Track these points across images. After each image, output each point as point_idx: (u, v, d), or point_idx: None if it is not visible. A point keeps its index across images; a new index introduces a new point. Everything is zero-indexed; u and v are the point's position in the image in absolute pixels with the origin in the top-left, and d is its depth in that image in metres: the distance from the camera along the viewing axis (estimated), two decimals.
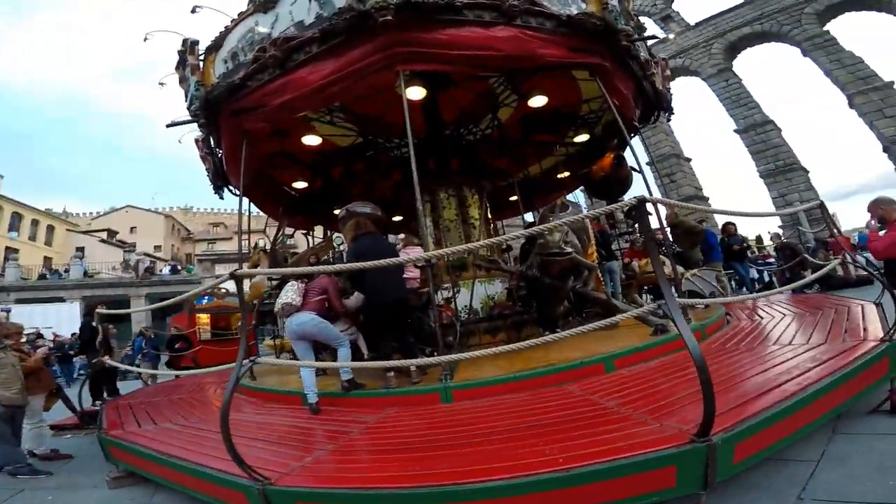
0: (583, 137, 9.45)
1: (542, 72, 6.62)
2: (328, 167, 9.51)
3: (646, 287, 6.99)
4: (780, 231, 22.65)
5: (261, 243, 9.38)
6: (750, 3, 27.63)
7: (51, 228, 39.63)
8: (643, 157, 27.13)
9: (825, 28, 25.47)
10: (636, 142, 8.49)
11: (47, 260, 36.12)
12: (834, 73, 24.34)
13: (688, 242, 7.57)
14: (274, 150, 8.37)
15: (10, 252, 32.46)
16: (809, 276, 5.16)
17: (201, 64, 6.16)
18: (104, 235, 41.70)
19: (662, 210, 5.95)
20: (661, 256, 6.42)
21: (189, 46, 6.25)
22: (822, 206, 4.18)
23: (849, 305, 5.69)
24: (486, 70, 5.60)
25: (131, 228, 49.53)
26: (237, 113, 5.85)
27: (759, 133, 26.31)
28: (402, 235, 6.87)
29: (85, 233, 42.68)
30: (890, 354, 3.29)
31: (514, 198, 10.66)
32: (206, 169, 7.74)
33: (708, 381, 2.06)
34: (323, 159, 9.29)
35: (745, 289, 11.19)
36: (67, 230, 41.81)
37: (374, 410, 4.14)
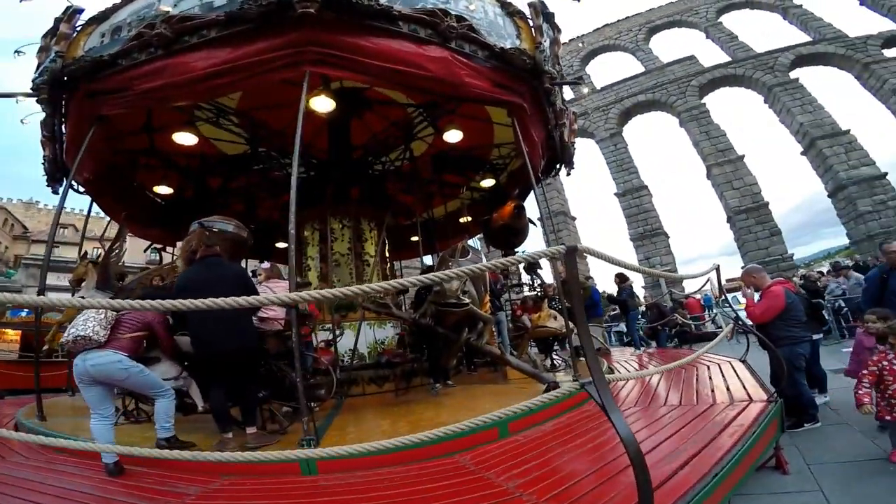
0: (489, 182, 9.50)
1: (460, 103, 6.52)
2: (205, 175, 8.34)
3: (532, 341, 6.94)
4: (643, 290, 25.10)
5: (93, 253, 7.77)
6: (649, 72, 31.21)
7: None
8: (534, 212, 28.82)
9: (703, 101, 28.99)
10: (533, 198, 8.72)
11: None
12: (700, 145, 27.62)
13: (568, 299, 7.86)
14: (141, 147, 7.23)
15: None
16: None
17: (74, 34, 5.30)
18: None
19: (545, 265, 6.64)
20: (552, 311, 6.48)
21: (68, 14, 5.43)
22: (717, 268, 4.33)
23: (718, 363, 6.02)
24: (406, 89, 5.26)
25: None
26: (94, 94, 5.00)
27: (634, 197, 28.71)
28: (265, 265, 5.95)
29: None
30: (777, 415, 3.35)
31: (416, 238, 10.30)
32: (44, 156, 6.40)
33: (647, 484, 1.74)
34: (202, 165, 8.14)
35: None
36: None
37: (201, 479, 3.18)
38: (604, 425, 3.47)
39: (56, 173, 6.42)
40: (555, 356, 6.90)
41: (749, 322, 4.66)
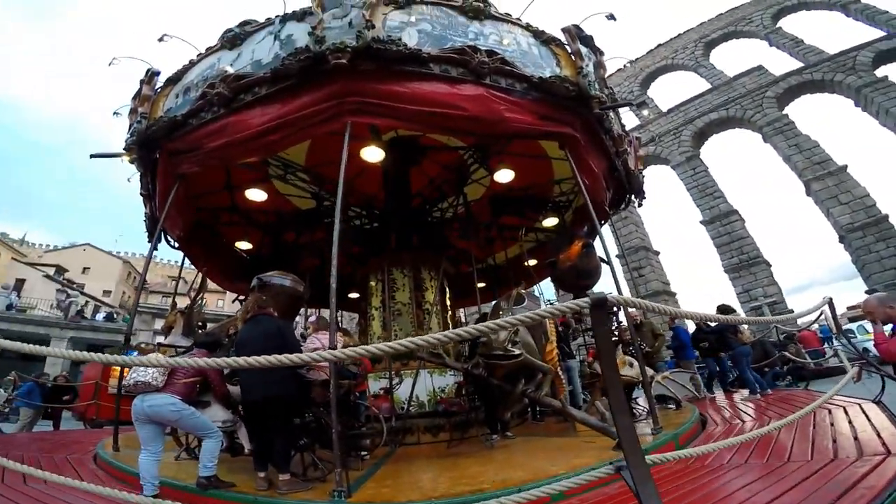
0: (551, 221, 9.21)
1: (508, 140, 6.42)
2: (281, 230, 9.00)
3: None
4: (745, 326, 22.50)
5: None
6: (716, 88, 29.25)
7: None
8: (613, 249, 27.23)
9: (784, 112, 26.44)
10: (606, 231, 8.36)
11: None
12: (792, 159, 24.87)
13: (652, 342, 7.24)
14: (223, 204, 7.94)
15: None
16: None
17: (154, 96, 5.83)
18: (51, 271, 39.32)
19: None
20: (627, 357, 6.06)
21: (148, 76, 5.97)
22: (830, 302, 3.84)
23: (844, 405, 5.12)
24: (445, 131, 5.28)
25: (84, 268, 47.11)
26: (174, 154, 5.42)
27: (724, 224, 26.32)
28: (312, 317, 6.13)
29: (30, 264, 40.16)
30: None
31: (482, 284, 10.21)
32: (144, 213, 7.15)
33: None
34: (278, 221, 8.81)
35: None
36: (13, 259, 39.37)
37: None
38: (701, 488, 3.09)
39: (154, 229, 6.94)
40: (634, 405, 6.38)
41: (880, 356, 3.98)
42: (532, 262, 9.73)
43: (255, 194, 7.61)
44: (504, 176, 7.61)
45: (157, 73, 6.02)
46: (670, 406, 6.67)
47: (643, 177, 8.26)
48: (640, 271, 27.02)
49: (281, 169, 7.49)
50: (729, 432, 4.85)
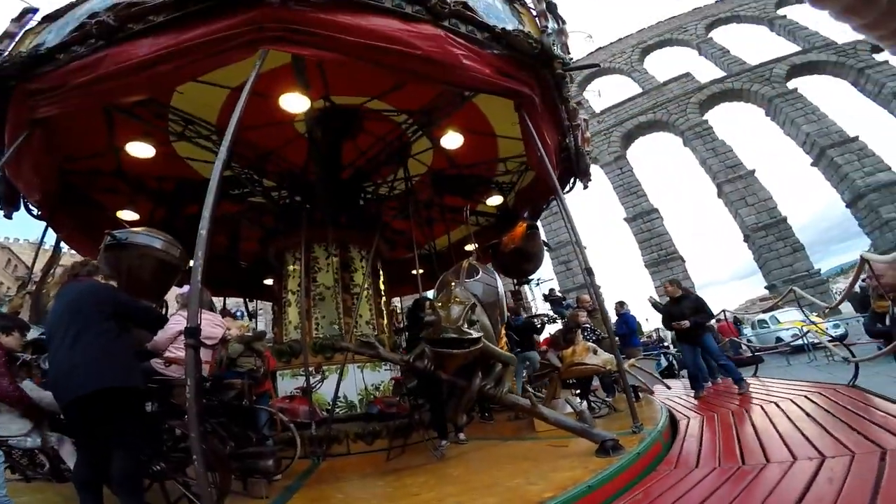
0: (495, 200, 8.57)
1: (456, 107, 5.86)
2: (180, 201, 7.34)
3: (569, 381, 5.57)
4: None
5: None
6: (647, 93, 30.87)
7: None
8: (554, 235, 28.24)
9: (704, 117, 28.42)
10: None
11: None
12: (708, 162, 26.85)
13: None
14: (103, 168, 6.45)
15: None
16: None
17: (21, 33, 4.87)
18: None
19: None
20: (588, 343, 5.26)
21: (20, 13, 5.05)
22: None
23: (792, 396, 4.69)
24: (391, 70, 4.48)
25: None
26: (31, 95, 4.34)
27: (645, 221, 27.80)
28: (183, 288, 4.79)
29: None
30: None
31: (421, 271, 9.29)
32: None
33: None
34: (177, 189, 7.26)
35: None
36: None
37: None
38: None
39: (10, 194, 5.55)
40: (593, 398, 5.58)
41: None
42: (474, 246, 8.89)
43: (140, 149, 6.04)
44: (452, 141, 6.77)
45: (34, 11, 5.06)
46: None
47: (590, 158, 7.81)
48: (567, 265, 27.83)
49: (180, 124, 6.05)
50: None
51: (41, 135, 4.59)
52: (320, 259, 6.50)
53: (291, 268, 6.69)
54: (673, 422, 4.59)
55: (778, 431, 3.46)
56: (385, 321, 6.95)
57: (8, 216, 5.76)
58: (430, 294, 9.43)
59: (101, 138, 5.95)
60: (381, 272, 7.29)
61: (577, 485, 2.65)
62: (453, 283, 4.00)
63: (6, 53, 4.56)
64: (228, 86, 5.57)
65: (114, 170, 6.55)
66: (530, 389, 6.05)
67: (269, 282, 8.66)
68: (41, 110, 4.30)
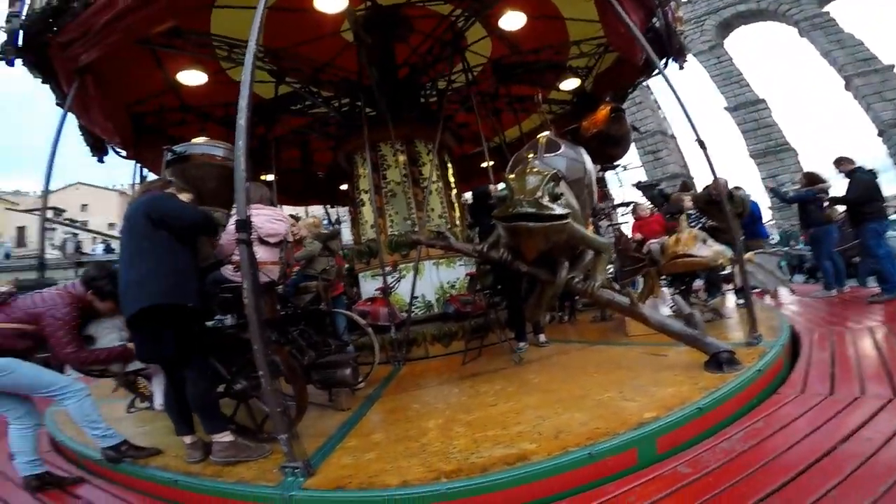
0: (571, 84, 7.51)
1: None
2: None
3: (664, 277, 4.71)
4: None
5: None
6: None
7: None
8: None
9: (825, 9, 24.59)
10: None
11: None
12: (832, 55, 23.57)
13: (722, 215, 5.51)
14: (169, 105, 6.58)
15: None
16: None
17: None
18: (50, 213, 38.18)
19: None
20: (694, 231, 4.48)
21: None
22: None
23: None
24: None
25: (82, 206, 45.88)
26: (67, 45, 4.27)
27: (749, 112, 25.56)
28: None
29: (25, 211, 39.15)
30: None
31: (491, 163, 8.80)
32: (79, 126, 5.78)
33: None
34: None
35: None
36: (6, 209, 38.20)
37: None
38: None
39: (91, 140, 5.86)
40: (695, 300, 4.78)
41: None
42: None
43: (192, 76, 5.98)
44: (511, 21, 5.89)
45: None
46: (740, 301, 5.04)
47: (684, 37, 6.45)
48: (656, 154, 26.06)
49: (224, 49, 5.81)
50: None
51: (93, 81, 4.62)
52: (387, 157, 6.32)
53: (361, 169, 6.55)
54: (793, 336, 3.70)
55: None
56: (457, 214, 6.75)
57: (100, 160, 6.17)
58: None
59: (156, 77, 5.97)
60: (449, 164, 6.96)
61: (684, 405, 2.17)
62: (531, 156, 3.36)
63: (24, 14, 4.42)
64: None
65: (178, 105, 6.66)
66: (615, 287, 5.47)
67: (344, 187, 8.73)
68: (81, 58, 4.25)
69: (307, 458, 2.12)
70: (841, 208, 5.73)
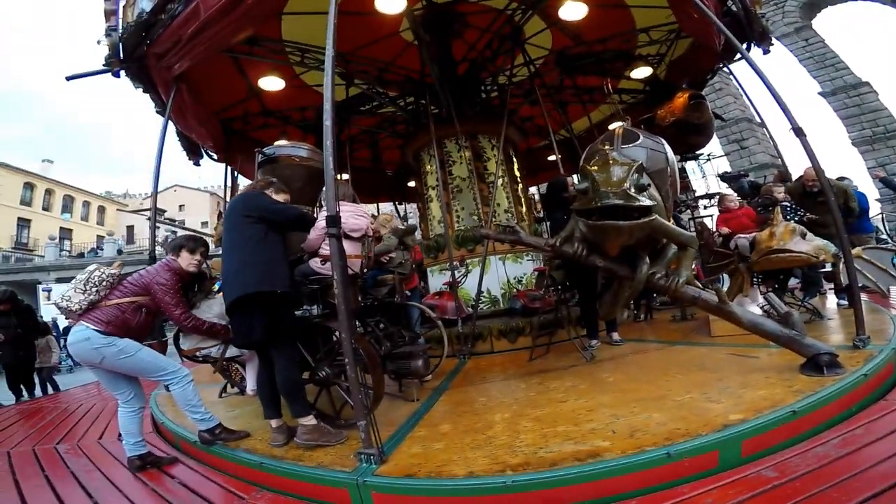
0: (643, 72, 7.15)
1: None
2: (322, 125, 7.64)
3: (758, 276, 4.18)
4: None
5: None
6: None
7: (101, 209, 40.81)
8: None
9: None
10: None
11: (100, 238, 36.97)
12: None
13: (823, 207, 4.90)
14: (252, 110, 7.00)
15: (65, 232, 34.05)
16: None
17: (118, 7, 4.97)
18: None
19: None
20: (791, 224, 4.02)
21: None
22: None
23: None
24: None
25: (180, 206, 50.38)
26: (161, 56, 4.62)
27: (850, 96, 22.79)
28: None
29: (133, 212, 43.75)
30: None
31: (553, 157, 8.56)
32: (176, 132, 6.38)
33: None
34: (316, 116, 7.46)
35: None
36: (118, 210, 42.99)
37: (236, 489, 2.33)
38: None
39: (188, 145, 6.45)
40: (790, 300, 4.13)
41: None
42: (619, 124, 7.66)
43: (271, 82, 6.37)
44: (572, 11, 5.69)
45: None
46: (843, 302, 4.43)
47: (767, 20, 5.90)
48: (742, 143, 24.02)
49: (297, 55, 6.16)
50: None
51: (187, 89, 4.99)
52: (453, 153, 6.38)
53: (428, 166, 6.68)
54: None
55: None
56: (524, 209, 6.67)
57: (196, 163, 6.81)
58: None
59: (240, 84, 6.44)
60: (514, 158, 6.87)
61: (776, 408, 1.99)
62: (608, 148, 3.16)
63: (119, 28, 4.81)
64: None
65: (260, 110, 7.08)
66: (699, 284, 5.01)
67: (412, 184, 8.94)
68: (175, 67, 4.57)
69: (381, 445, 2.16)
70: None
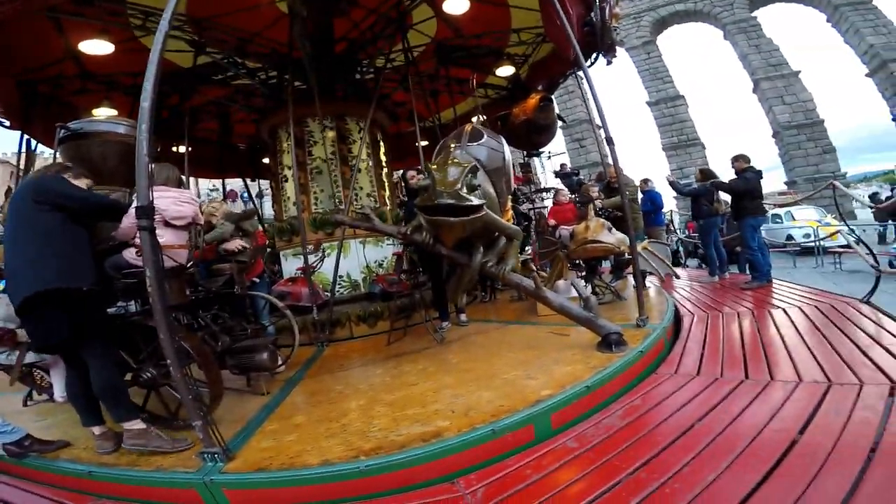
0: (506, 71, 7.69)
1: None
2: (160, 93, 6.61)
3: (576, 262, 4.96)
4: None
5: None
6: None
7: None
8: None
9: (754, 14, 26.35)
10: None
11: None
12: (749, 58, 25.52)
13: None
14: (70, 71, 5.91)
15: None
16: None
17: None
18: None
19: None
20: (600, 220, 4.81)
21: None
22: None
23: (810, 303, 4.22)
24: None
25: None
26: None
27: (668, 106, 27.02)
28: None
29: None
30: None
31: (425, 143, 8.77)
32: None
33: None
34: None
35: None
36: None
37: (68, 499, 2.17)
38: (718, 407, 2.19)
39: None
40: (597, 283, 5.11)
41: None
42: (481, 118, 8.23)
43: (96, 46, 5.35)
44: (455, 5, 5.91)
45: None
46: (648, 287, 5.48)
47: (617, 34, 6.75)
48: (581, 143, 27.19)
49: (139, 18, 5.29)
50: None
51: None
52: (315, 133, 6.06)
53: (285, 144, 6.29)
54: (677, 318, 4.23)
55: (785, 344, 3.15)
56: (388, 193, 6.68)
57: None
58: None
59: (55, 45, 5.38)
60: (381, 142, 6.82)
61: (574, 384, 2.44)
62: (453, 146, 3.51)
63: None
64: None
65: (79, 72, 6.00)
66: (535, 269, 5.83)
67: (267, 160, 8.29)
68: None
69: (225, 443, 2.12)
70: (725, 198, 6.50)
